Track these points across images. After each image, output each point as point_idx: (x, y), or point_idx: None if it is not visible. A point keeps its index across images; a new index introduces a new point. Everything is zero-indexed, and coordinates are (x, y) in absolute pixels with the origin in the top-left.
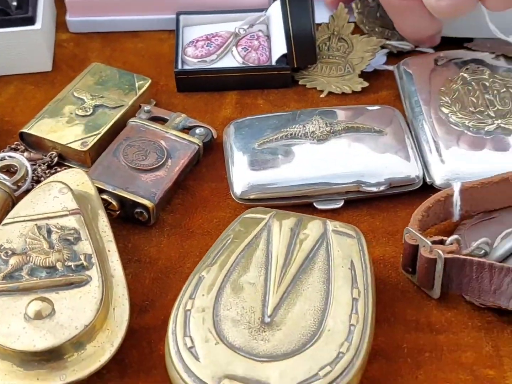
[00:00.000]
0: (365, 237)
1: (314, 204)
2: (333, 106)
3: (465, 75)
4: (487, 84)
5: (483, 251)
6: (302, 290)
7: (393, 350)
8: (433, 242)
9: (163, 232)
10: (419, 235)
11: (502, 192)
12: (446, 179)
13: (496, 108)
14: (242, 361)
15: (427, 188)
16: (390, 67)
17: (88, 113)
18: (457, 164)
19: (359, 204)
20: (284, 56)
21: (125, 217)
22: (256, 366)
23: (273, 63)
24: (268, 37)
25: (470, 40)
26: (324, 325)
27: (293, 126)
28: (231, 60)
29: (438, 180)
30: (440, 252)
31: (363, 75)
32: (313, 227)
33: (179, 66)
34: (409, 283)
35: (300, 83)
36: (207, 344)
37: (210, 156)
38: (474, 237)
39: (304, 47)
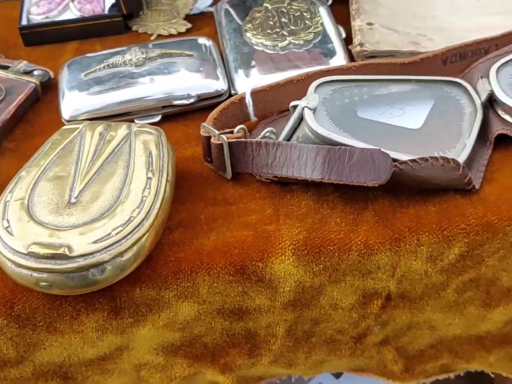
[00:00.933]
0: (179, 142)
1: (135, 120)
2: None
3: (268, 5)
4: (285, 10)
5: (271, 139)
6: (105, 176)
7: (192, 221)
8: (225, 132)
9: (4, 157)
10: (210, 127)
11: (290, 93)
12: (248, 88)
13: (289, 28)
14: (48, 231)
15: None
16: (212, 9)
17: None
18: (256, 77)
19: (176, 117)
20: (115, 5)
21: None
22: (60, 233)
23: (106, 12)
24: None
25: None
26: (120, 199)
27: (114, 57)
28: (71, 14)
29: (240, 91)
30: (224, 137)
31: (190, 17)
32: (120, 129)
33: (23, 23)
34: (211, 172)
35: (133, 29)
36: (20, 223)
37: (49, 94)
38: None
39: None
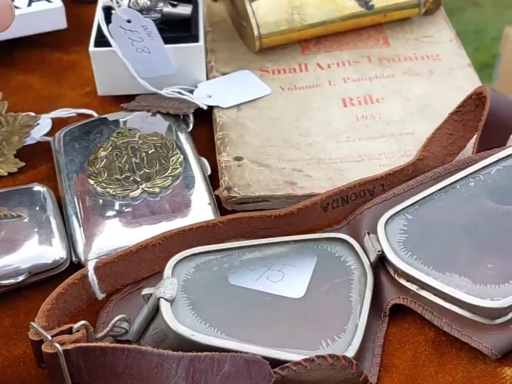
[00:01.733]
0: (8, 335)
1: None
2: None
3: (116, 139)
4: (136, 146)
5: (123, 329)
6: None
7: None
8: (62, 332)
9: None
10: (40, 329)
11: (145, 260)
12: (93, 255)
13: (142, 171)
14: None
15: (77, 267)
16: (50, 139)
17: None
18: (104, 238)
19: (3, 298)
20: None
21: None
22: None
23: None
24: None
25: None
26: None
27: None
28: None
29: (84, 258)
30: (58, 345)
31: (24, 150)
32: None
33: None
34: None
35: None
36: None
37: None
38: (122, 312)
39: None
